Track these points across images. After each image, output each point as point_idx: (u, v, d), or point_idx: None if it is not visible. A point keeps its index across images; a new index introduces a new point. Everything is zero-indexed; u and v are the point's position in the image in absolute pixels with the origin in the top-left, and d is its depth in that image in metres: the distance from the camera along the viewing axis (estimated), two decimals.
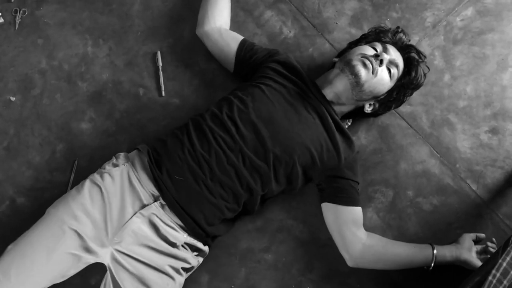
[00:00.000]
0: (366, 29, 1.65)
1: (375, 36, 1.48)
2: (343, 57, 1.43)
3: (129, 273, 1.28)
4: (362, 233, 1.40)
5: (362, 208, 1.47)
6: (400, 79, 1.43)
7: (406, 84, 1.44)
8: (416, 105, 1.59)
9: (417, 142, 1.57)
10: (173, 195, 1.29)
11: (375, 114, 1.52)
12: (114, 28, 1.67)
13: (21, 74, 1.64)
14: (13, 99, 1.62)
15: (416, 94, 1.56)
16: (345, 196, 1.40)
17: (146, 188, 1.31)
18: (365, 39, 1.49)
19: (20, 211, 1.54)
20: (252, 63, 1.50)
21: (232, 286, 1.50)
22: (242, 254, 1.53)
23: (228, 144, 1.32)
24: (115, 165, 1.36)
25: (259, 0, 1.68)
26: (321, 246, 1.52)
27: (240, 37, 1.53)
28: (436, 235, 1.51)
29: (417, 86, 1.47)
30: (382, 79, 1.38)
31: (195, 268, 1.41)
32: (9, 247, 1.28)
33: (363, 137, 1.58)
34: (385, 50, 1.41)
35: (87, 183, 1.33)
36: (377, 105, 1.47)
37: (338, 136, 1.39)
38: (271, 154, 1.32)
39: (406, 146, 1.57)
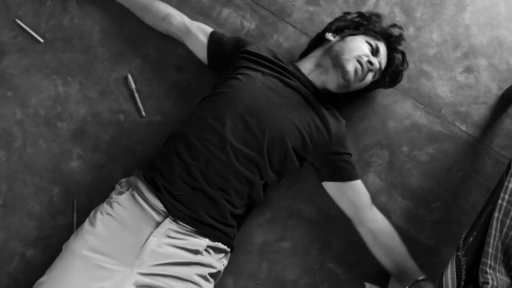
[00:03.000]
0: (323, 4, 1.68)
1: (367, 27, 1.46)
2: (338, 52, 1.42)
3: None
4: (370, 213, 1.42)
5: (363, 175, 1.51)
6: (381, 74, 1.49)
7: (388, 77, 1.50)
8: None
9: (399, 98, 1.60)
10: (178, 209, 1.30)
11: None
12: (80, 63, 1.67)
13: None
14: None
15: None
16: (342, 172, 1.42)
17: (155, 206, 1.31)
18: (364, 26, 1.47)
19: (33, 263, 1.53)
20: (224, 55, 1.51)
21: (258, 282, 1.51)
22: (259, 248, 1.54)
23: (217, 144, 1.32)
24: (121, 193, 1.36)
25: (213, 1, 1.70)
26: (333, 222, 1.54)
27: (209, 30, 1.55)
28: (439, 183, 1.54)
29: (396, 83, 1.53)
30: (367, 81, 1.44)
31: (222, 272, 1.40)
32: None
33: (347, 107, 1.60)
34: (377, 51, 1.44)
35: (98, 215, 1.33)
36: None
37: (324, 111, 1.41)
38: (263, 142, 1.33)
39: (390, 105, 1.60)
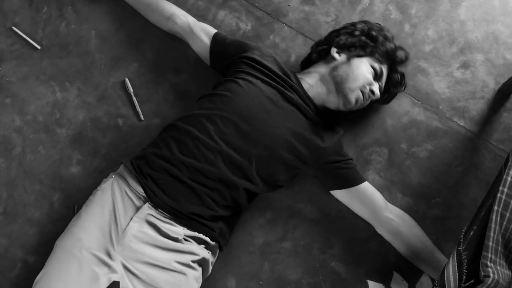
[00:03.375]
0: (318, 3, 1.68)
1: (380, 53, 1.45)
2: (343, 78, 1.42)
3: (140, 281, 1.27)
4: (386, 213, 1.43)
5: (363, 173, 1.51)
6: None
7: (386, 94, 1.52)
8: None
9: (397, 95, 1.60)
10: (159, 196, 1.31)
11: None
12: (77, 68, 1.67)
13: None
14: None
15: None
16: (345, 179, 1.44)
17: (135, 191, 1.32)
18: (371, 47, 1.44)
19: (35, 270, 1.50)
20: (226, 57, 1.51)
21: (261, 282, 1.51)
22: (261, 249, 1.54)
23: (206, 144, 1.33)
24: (105, 182, 1.39)
25: (209, 3, 1.70)
26: (333, 221, 1.54)
27: (212, 31, 1.55)
28: (439, 179, 1.55)
29: (387, 102, 1.56)
30: (365, 104, 1.46)
31: (210, 261, 1.38)
32: None
33: None
34: (380, 76, 1.45)
35: (83, 206, 1.36)
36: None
37: (320, 125, 1.42)
38: (253, 150, 1.33)
39: None
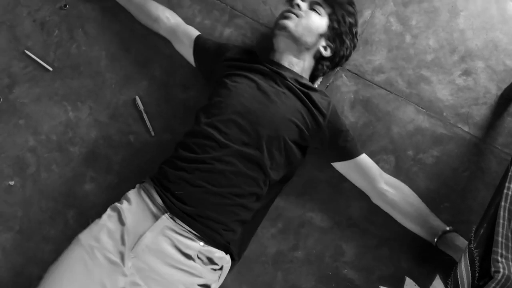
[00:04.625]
0: None
1: None
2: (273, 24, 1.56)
3: None
4: (382, 184, 1.48)
5: None
6: (332, 14, 1.54)
7: (338, 12, 1.54)
8: (388, 71, 1.67)
9: (401, 104, 1.64)
10: (177, 205, 1.33)
11: (338, 57, 1.59)
12: (89, 88, 1.72)
13: (13, 158, 1.67)
14: (12, 183, 1.65)
15: (385, 61, 1.66)
16: (345, 151, 1.49)
17: (156, 202, 1.35)
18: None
19: None
20: (208, 61, 1.59)
21: None
22: (274, 258, 1.56)
23: (216, 148, 1.36)
24: (129, 193, 1.42)
25: (215, 22, 1.75)
26: (344, 228, 1.56)
27: (195, 34, 1.63)
28: (446, 184, 1.57)
29: (346, 10, 1.56)
30: (310, 17, 1.50)
31: (218, 285, 1.39)
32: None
33: (350, 116, 1.64)
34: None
35: (108, 210, 1.39)
36: (332, 45, 1.55)
37: (312, 95, 1.46)
38: (260, 140, 1.37)
39: (392, 111, 1.64)
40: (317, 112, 1.45)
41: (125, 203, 1.38)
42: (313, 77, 1.61)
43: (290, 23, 1.48)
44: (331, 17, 1.54)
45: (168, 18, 1.67)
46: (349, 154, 1.48)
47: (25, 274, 1.56)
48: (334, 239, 1.56)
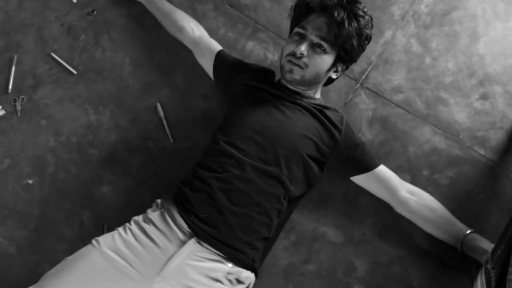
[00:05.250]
0: None
1: (296, 17, 1.49)
2: (280, 58, 1.50)
3: None
4: (403, 193, 1.49)
5: None
6: (336, 37, 1.41)
7: (341, 46, 1.43)
8: (407, 91, 1.69)
9: (418, 124, 1.66)
10: (202, 229, 1.33)
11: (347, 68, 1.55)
12: (111, 93, 1.75)
13: (32, 157, 1.69)
14: (30, 182, 1.67)
15: (404, 81, 1.68)
16: (363, 164, 1.50)
17: (181, 227, 1.35)
18: (292, 22, 1.52)
19: None
20: (227, 77, 1.61)
21: None
22: (285, 271, 1.56)
23: (235, 165, 1.38)
24: (155, 210, 1.41)
25: (238, 35, 1.79)
26: (357, 244, 1.57)
27: (217, 49, 1.65)
28: (460, 205, 1.58)
29: (347, 37, 1.42)
30: (315, 65, 1.43)
31: None
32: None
33: (367, 133, 1.66)
34: (304, 36, 1.43)
35: (133, 225, 1.37)
36: (339, 68, 1.50)
37: (326, 112, 1.48)
38: (278, 157, 1.39)
39: (409, 131, 1.65)
40: (332, 127, 1.47)
41: (148, 223, 1.37)
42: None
43: (296, 76, 1.45)
44: (337, 50, 1.45)
45: (193, 29, 1.70)
46: (367, 166, 1.50)
47: (37, 272, 1.56)
48: (346, 255, 1.57)
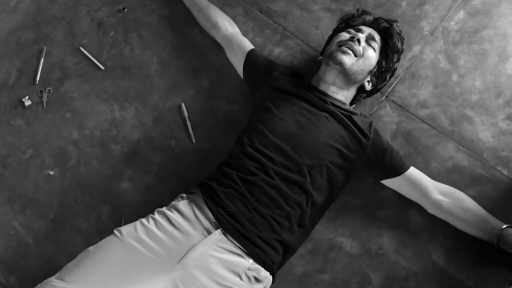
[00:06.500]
0: None
1: (345, 24, 1.61)
2: (325, 53, 1.57)
3: None
4: (436, 195, 1.49)
5: (405, 212, 1.55)
6: (382, 49, 1.57)
7: (390, 50, 1.58)
8: (432, 107, 1.68)
9: (442, 140, 1.65)
10: (229, 221, 1.35)
11: (376, 90, 1.64)
12: (137, 90, 1.76)
13: (55, 148, 1.71)
14: (52, 173, 1.69)
15: (430, 96, 1.68)
16: (393, 168, 1.50)
17: (208, 217, 1.36)
18: (337, 31, 1.61)
19: None
20: (256, 76, 1.63)
21: None
22: (300, 279, 1.56)
23: (261, 170, 1.39)
24: (180, 201, 1.42)
25: (266, 40, 1.80)
26: (373, 257, 1.56)
27: (248, 47, 1.66)
28: None
29: (399, 50, 1.60)
30: (368, 56, 1.52)
31: None
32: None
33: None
34: (358, 30, 1.55)
35: (156, 215, 1.39)
36: (374, 80, 1.59)
37: (354, 118, 1.48)
38: (302, 164, 1.40)
39: (433, 146, 1.65)
40: (360, 134, 1.47)
41: (173, 212, 1.38)
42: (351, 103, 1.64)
43: (347, 60, 1.48)
44: (381, 53, 1.58)
45: (227, 27, 1.71)
46: (397, 170, 1.50)
47: (53, 263, 1.58)
48: (362, 266, 1.56)
